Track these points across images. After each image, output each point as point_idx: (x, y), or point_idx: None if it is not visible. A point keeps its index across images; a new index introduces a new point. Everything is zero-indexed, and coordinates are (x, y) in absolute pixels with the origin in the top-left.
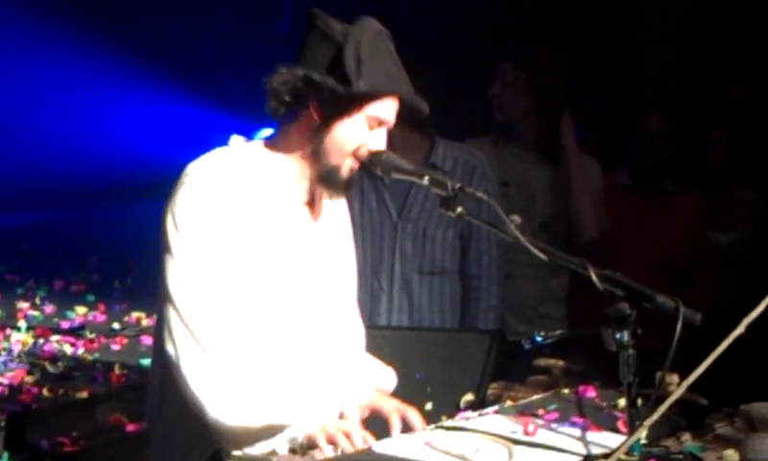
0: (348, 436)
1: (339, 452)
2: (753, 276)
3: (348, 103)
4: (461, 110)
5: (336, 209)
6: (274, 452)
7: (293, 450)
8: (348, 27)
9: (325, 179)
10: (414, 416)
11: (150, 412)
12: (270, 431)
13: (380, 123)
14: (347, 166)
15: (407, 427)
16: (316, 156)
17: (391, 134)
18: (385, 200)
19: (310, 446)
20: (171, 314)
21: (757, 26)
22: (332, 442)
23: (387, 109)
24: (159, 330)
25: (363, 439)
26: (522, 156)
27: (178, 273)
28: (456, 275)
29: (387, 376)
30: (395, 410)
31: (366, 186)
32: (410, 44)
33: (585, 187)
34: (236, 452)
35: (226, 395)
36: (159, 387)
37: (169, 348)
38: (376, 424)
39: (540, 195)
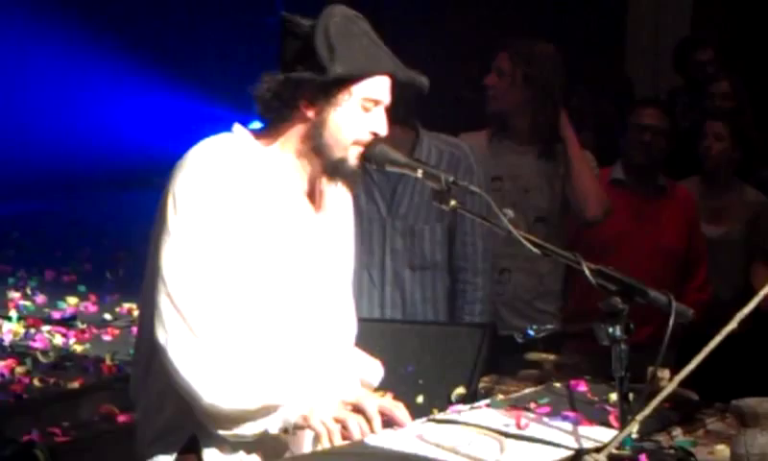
0: (341, 422)
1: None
2: (725, 272)
3: (334, 90)
4: (455, 103)
5: (339, 202)
6: (266, 432)
7: (285, 430)
8: (315, 19)
9: (334, 172)
10: (401, 412)
11: (134, 386)
12: (264, 411)
13: (375, 102)
14: (352, 155)
15: (391, 425)
16: (318, 152)
17: None
18: (374, 196)
19: (302, 427)
20: (162, 297)
21: (752, 21)
22: (326, 427)
23: (377, 86)
24: (148, 312)
25: (359, 427)
26: (517, 149)
27: (173, 253)
28: (447, 268)
29: (374, 371)
30: (377, 411)
31: None
32: (401, 34)
33: (586, 168)
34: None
35: (219, 379)
36: (145, 365)
37: (159, 332)
38: None
39: (534, 189)
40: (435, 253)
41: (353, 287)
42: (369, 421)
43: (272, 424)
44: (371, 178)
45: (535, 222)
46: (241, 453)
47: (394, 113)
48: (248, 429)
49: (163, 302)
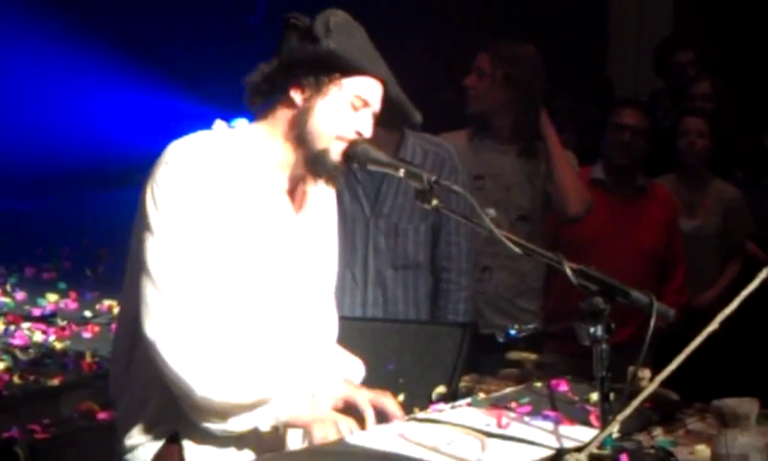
0: (334, 424)
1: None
2: (701, 267)
3: (325, 78)
4: (437, 102)
5: (321, 203)
6: (256, 429)
7: (275, 427)
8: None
9: (313, 163)
10: (390, 404)
11: (114, 383)
12: (256, 406)
13: (364, 103)
14: (334, 150)
15: (383, 418)
16: (301, 140)
17: None
18: (358, 195)
19: (294, 425)
20: (149, 291)
21: (734, 23)
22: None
23: (368, 88)
24: (128, 308)
25: (349, 428)
26: (497, 148)
27: (157, 249)
28: (430, 268)
29: (355, 368)
30: (369, 403)
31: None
32: (385, 34)
33: (567, 165)
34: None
35: (212, 372)
36: (125, 362)
37: (148, 326)
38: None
39: (516, 187)
40: (418, 252)
41: (335, 286)
42: (361, 414)
43: (263, 421)
44: (355, 177)
45: (516, 220)
46: (231, 449)
47: (380, 118)
48: (238, 424)
49: (151, 296)
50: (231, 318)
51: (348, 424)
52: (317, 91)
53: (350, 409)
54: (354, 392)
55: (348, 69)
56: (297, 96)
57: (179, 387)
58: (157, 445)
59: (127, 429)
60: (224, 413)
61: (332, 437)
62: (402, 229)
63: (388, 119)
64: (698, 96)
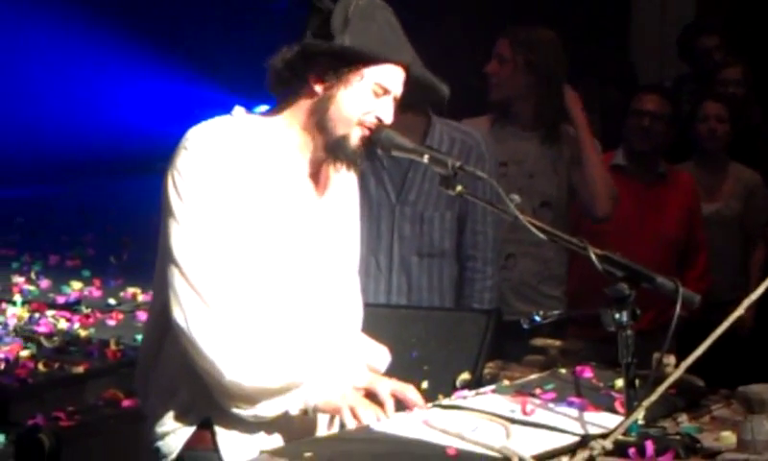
0: (363, 410)
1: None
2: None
3: (344, 69)
4: (458, 89)
5: (343, 186)
6: (286, 413)
7: (305, 412)
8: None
9: (333, 149)
10: (413, 393)
11: (142, 371)
12: (285, 390)
13: (385, 91)
14: (355, 135)
15: (404, 408)
16: (321, 127)
17: None
18: (384, 182)
19: (324, 410)
20: (177, 278)
21: (758, 6)
22: (353, 413)
23: (389, 75)
24: (159, 300)
25: (376, 415)
26: (520, 135)
27: (183, 237)
28: (455, 256)
29: (380, 356)
30: (390, 394)
31: (365, 168)
32: (407, 20)
33: (597, 159)
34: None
35: (241, 356)
36: (154, 352)
37: (177, 314)
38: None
39: (539, 174)
40: (443, 240)
41: (360, 272)
42: (381, 404)
43: (292, 405)
44: (381, 163)
45: (540, 207)
46: (261, 434)
47: (406, 99)
48: (267, 409)
49: (179, 284)
50: (258, 302)
51: (375, 410)
52: (337, 81)
53: (371, 398)
54: (376, 381)
55: (366, 60)
56: (317, 86)
57: (208, 372)
58: (189, 431)
59: (158, 417)
60: (253, 398)
61: (362, 422)
62: (428, 216)
63: (414, 101)
64: (730, 82)
